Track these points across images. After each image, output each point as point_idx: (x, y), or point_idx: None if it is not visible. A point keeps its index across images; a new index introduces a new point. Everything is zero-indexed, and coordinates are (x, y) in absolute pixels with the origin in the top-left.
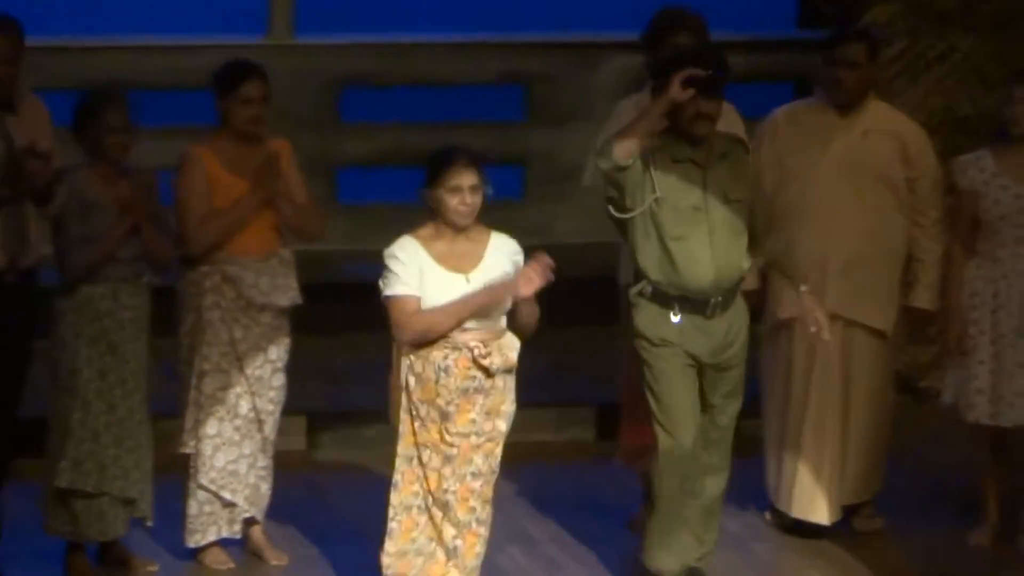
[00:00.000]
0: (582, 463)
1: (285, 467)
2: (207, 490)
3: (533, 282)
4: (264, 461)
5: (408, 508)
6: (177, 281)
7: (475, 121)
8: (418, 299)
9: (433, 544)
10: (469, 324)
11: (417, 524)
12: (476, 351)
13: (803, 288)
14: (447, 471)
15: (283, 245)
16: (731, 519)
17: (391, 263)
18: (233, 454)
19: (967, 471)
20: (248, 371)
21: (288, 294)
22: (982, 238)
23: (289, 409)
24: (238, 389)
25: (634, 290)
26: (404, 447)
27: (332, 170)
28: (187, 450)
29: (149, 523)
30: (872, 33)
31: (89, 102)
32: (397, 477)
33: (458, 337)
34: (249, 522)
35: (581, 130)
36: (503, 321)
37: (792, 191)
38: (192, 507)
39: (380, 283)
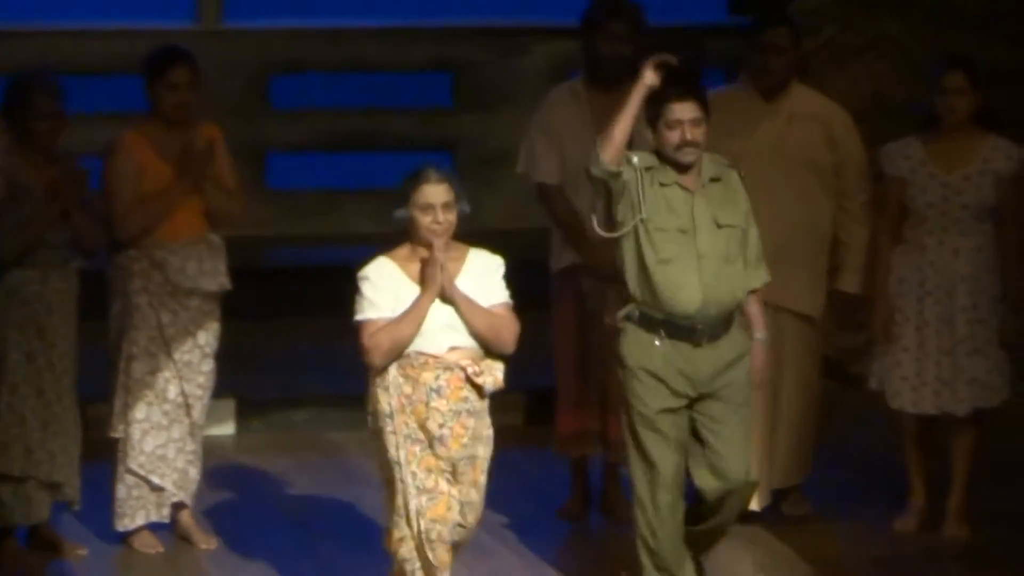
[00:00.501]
0: (511, 450)
1: (214, 452)
2: (136, 474)
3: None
4: (192, 445)
5: (415, 538)
6: (107, 265)
7: (404, 107)
8: (385, 321)
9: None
10: (456, 342)
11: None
12: (470, 370)
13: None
14: (452, 494)
15: (212, 230)
16: None
17: (363, 285)
18: (162, 438)
19: (895, 457)
20: (176, 356)
21: (216, 279)
22: (909, 225)
23: (218, 394)
24: (166, 374)
25: (621, 313)
26: (404, 475)
27: (261, 156)
28: (116, 434)
29: (76, 507)
30: (795, 19)
31: (18, 87)
32: (399, 502)
33: (448, 358)
34: (178, 506)
35: (510, 116)
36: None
37: None
38: (121, 491)
39: (354, 306)
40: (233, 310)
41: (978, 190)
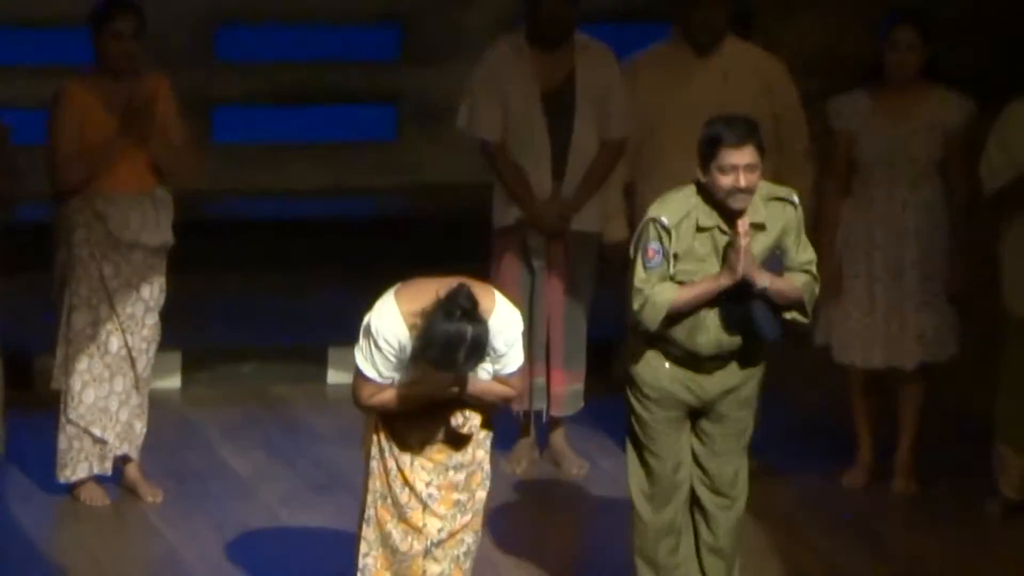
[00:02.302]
0: None
1: (160, 404)
2: (76, 425)
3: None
4: (137, 399)
5: (383, 546)
6: (51, 217)
7: (349, 60)
8: (386, 386)
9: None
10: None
11: (391, 564)
12: (453, 421)
13: None
14: (431, 509)
15: (162, 184)
16: (604, 459)
17: (374, 341)
18: (103, 391)
19: (841, 412)
20: (119, 308)
21: (159, 234)
22: (857, 179)
23: (164, 346)
24: (108, 326)
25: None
26: (375, 484)
27: (207, 108)
28: (57, 386)
29: (0, 458)
30: None
31: None
32: (370, 512)
33: (437, 411)
34: (124, 459)
35: (454, 69)
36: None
37: (660, 136)
38: (62, 442)
39: (356, 350)
40: (179, 263)
41: (926, 143)
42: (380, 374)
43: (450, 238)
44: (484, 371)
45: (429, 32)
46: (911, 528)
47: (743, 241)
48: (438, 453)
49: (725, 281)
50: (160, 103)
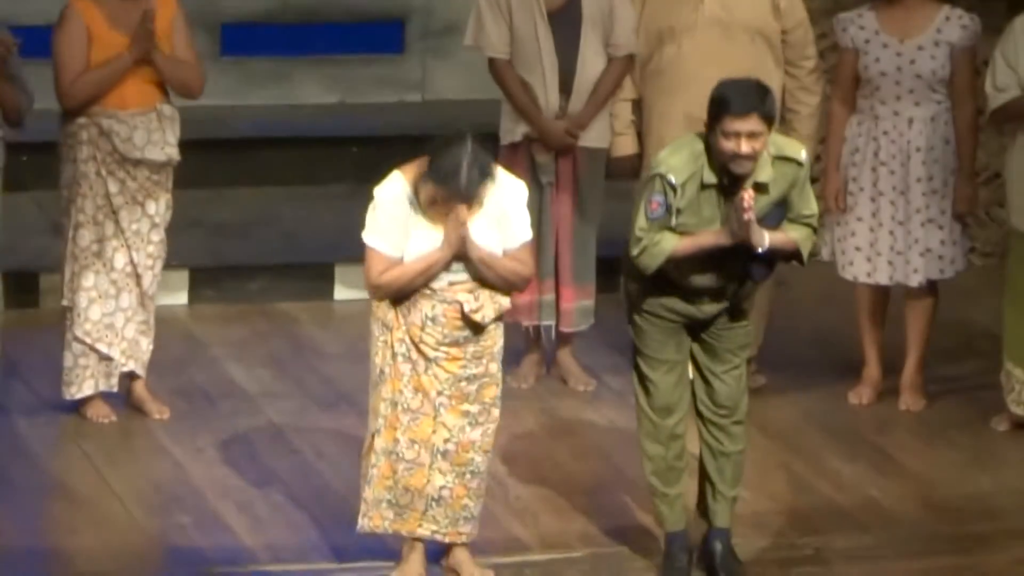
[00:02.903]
0: None
1: (167, 322)
2: (82, 342)
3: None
4: (143, 315)
5: (389, 453)
6: (58, 134)
7: None
8: (395, 257)
9: (410, 495)
10: (457, 277)
11: (395, 471)
12: (466, 306)
13: None
14: (441, 419)
15: (167, 100)
16: (612, 376)
17: (378, 209)
18: (109, 307)
19: (848, 330)
20: (124, 225)
21: (164, 150)
22: (862, 95)
23: (171, 264)
24: (114, 243)
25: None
26: (387, 391)
27: (216, 25)
28: (64, 302)
29: None
30: None
31: None
32: (379, 422)
33: (446, 293)
34: (131, 376)
35: None
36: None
37: (668, 52)
38: (68, 359)
39: (363, 233)
40: (187, 180)
41: (932, 59)
42: (387, 242)
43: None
44: (492, 241)
45: None
46: (917, 445)
47: (747, 216)
48: (452, 361)
49: (724, 241)
50: (168, 20)
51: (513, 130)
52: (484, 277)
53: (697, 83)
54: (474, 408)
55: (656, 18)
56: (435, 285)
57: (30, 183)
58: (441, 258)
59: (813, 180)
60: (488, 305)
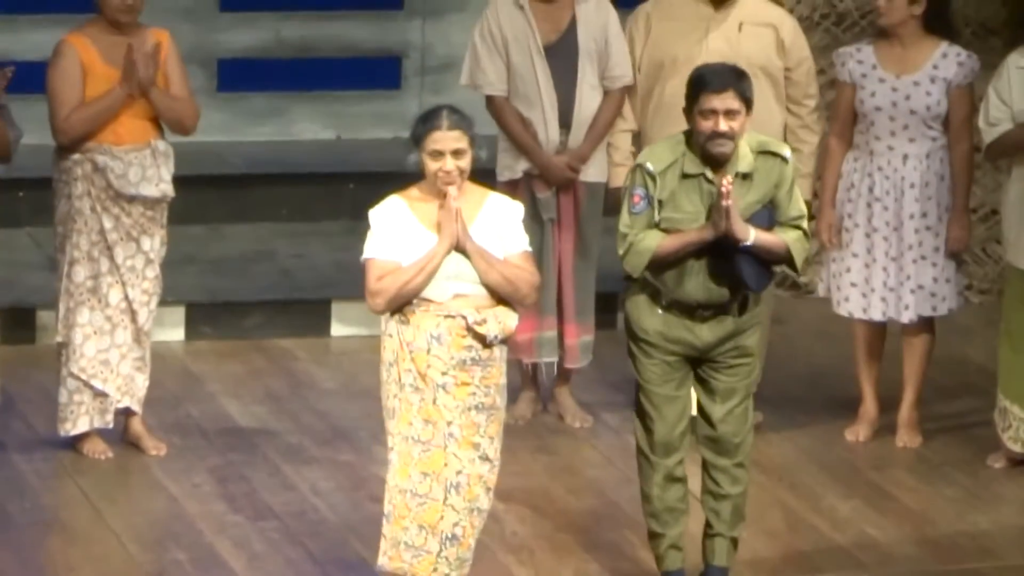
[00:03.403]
0: None
1: (163, 358)
2: (77, 378)
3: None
4: (139, 352)
5: (403, 492)
6: (52, 170)
7: (353, 11)
8: (393, 263)
9: (424, 534)
10: (462, 290)
11: (410, 510)
12: (470, 318)
13: None
14: (452, 450)
15: (161, 136)
16: (608, 413)
17: (372, 224)
18: (104, 343)
19: (844, 366)
20: (119, 261)
21: (159, 186)
22: (859, 131)
23: (167, 300)
24: (109, 278)
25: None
26: (397, 425)
27: (212, 61)
28: (59, 338)
29: None
30: None
31: None
32: (393, 456)
33: (451, 305)
34: (127, 412)
35: (458, 22)
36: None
37: (670, 85)
38: (63, 395)
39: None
40: (182, 215)
41: (927, 95)
42: (383, 250)
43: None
44: (492, 241)
45: None
46: (914, 482)
47: (726, 202)
48: (461, 387)
49: (708, 235)
50: (162, 56)
51: (512, 167)
52: (487, 278)
53: None
54: (484, 441)
55: (660, 49)
56: (438, 298)
57: (26, 219)
58: (439, 251)
59: (810, 218)
60: (492, 322)
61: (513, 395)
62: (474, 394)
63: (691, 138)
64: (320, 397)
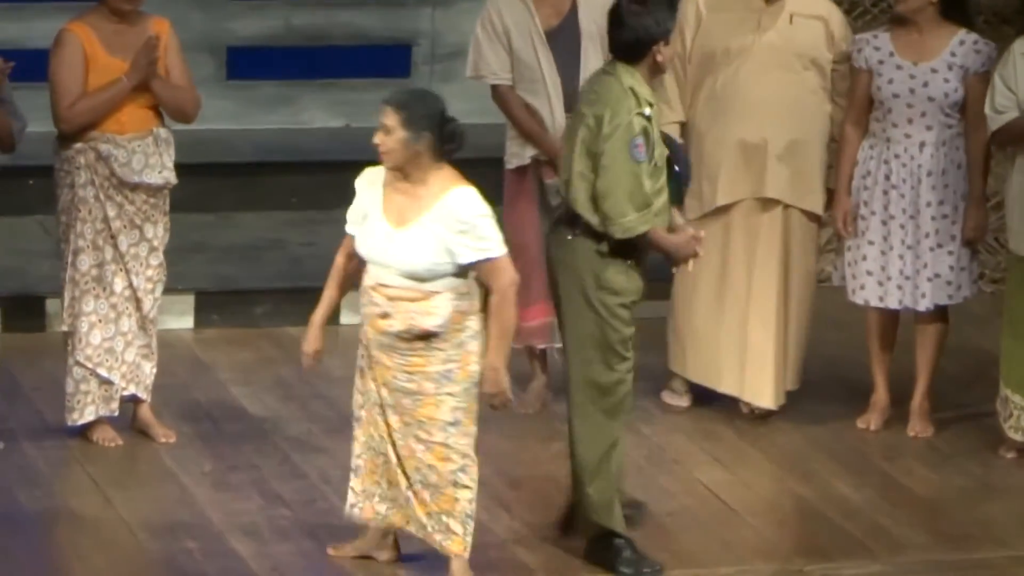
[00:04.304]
0: None
1: (173, 346)
2: (84, 367)
3: None
4: (144, 339)
5: (369, 448)
6: (53, 159)
7: (364, 0)
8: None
9: (395, 490)
10: (392, 280)
11: (378, 466)
12: (378, 309)
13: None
14: (393, 419)
15: (162, 124)
16: None
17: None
18: (109, 331)
19: (856, 355)
20: (123, 249)
21: (162, 173)
22: (875, 118)
23: (177, 288)
24: (113, 267)
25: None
26: (359, 382)
27: (222, 49)
28: (65, 327)
29: None
30: None
31: None
32: (359, 412)
33: (374, 293)
34: (135, 400)
35: (467, 10)
36: (450, 283)
37: (723, 77)
38: (69, 385)
39: None
40: (192, 203)
41: (945, 83)
42: (350, 221)
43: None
44: (467, 249)
45: None
46: (925, 471)
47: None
48: (381, 367)
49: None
50: (162, 44)
51: (520, 153)
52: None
53: (751, 109)
54: (414, 423)
55: (711, 40)
56: (366, 282)
57: (36, 207)
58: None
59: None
60: (398, 319)
61: (523, 383)
62: (396, 377)
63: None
64: (330, 385)
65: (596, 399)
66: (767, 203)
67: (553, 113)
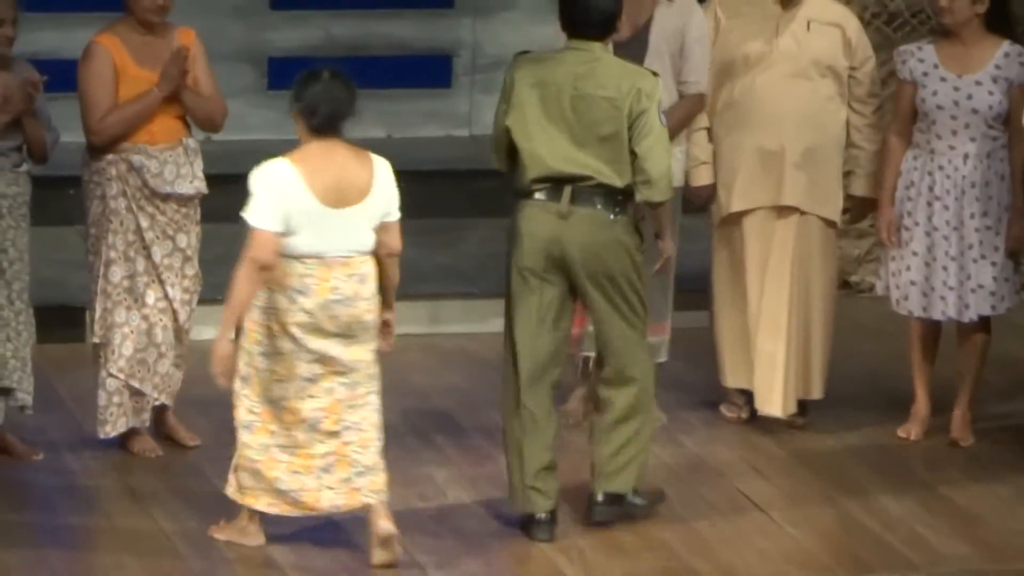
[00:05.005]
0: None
1: (208, 356)
2: (116, 378)
3: None
4: (179, 350)
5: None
6: (82, 170)
7: (404, 10)
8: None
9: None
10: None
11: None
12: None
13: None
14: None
15: (190, 133)
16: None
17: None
18: (142, 343)
19: (897, 365)
20: (157, 260)
21: (192, 183)
22: (919, 130)
23: (214, 298)
24: (145, 278)
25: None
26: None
27: (262, 59)
28: (95, 339)
29: (28, 411)
30: None
31: None
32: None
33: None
34: (160, 408)
35: (508, 20)
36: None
37: (740, 84)
38: (102, 398)
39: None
40: (230, 214)
41: (989, 95)
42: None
43: (506, 189)
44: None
45: None
46: (966, 481)
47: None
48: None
49: None
50: (187, 55)
51: None
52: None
53: (769, 116)
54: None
55: (730, 47)
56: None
57: (75, 217)
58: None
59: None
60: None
61: (567, 392)
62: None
63: None
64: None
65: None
66: (783, 210)
67: None
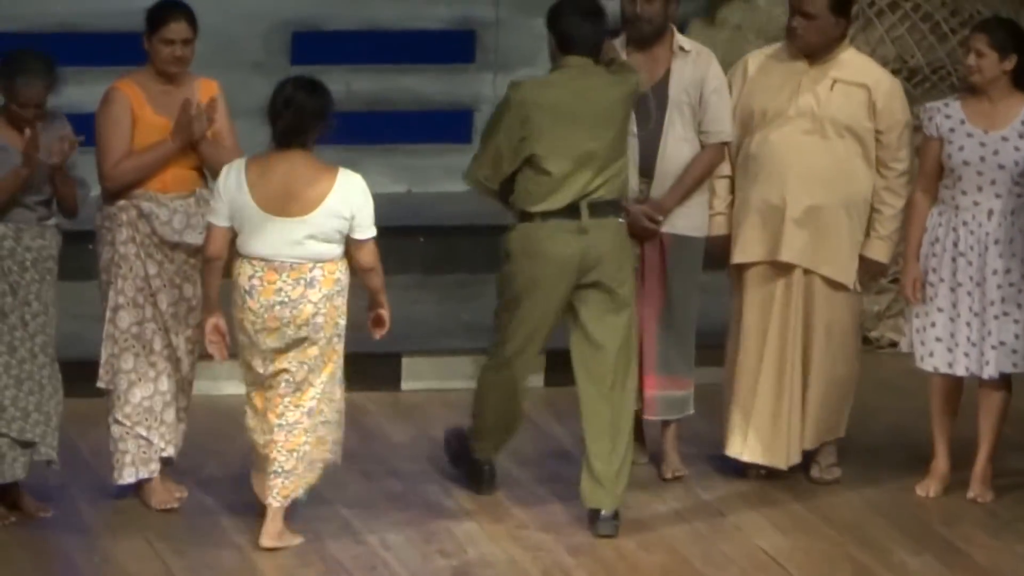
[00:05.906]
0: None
1: (230, 410)
2: (122, 425)
3: None
4: (183, 402)
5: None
6: (95, 215)
7: (424, 64)
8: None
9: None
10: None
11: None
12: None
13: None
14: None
15: (205, 185)
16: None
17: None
18: (148, 390)
19: (917, 421)
20: (162, 308)
21: (202, 234)
22: (945, 186)
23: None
24: (153, 325)
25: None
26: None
27: None
28: (102, 384)
29: (55, 466)
30: None
31: (7, 69)
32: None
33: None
34: (165, 461)
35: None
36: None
37: (756, 138)
38: (111, 445)
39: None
40: None
41: (1016, 151)
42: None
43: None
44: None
45: (504, 38)
46: (985, 537)
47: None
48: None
49: None
50: (212, 107)
51: None
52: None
53: (775, 171)
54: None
55: (752, 100)
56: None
57: (96, 272)
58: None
59: (883, 272)
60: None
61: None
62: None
63: None
64: (391, 451)
65: None
66: (786, 266)
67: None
